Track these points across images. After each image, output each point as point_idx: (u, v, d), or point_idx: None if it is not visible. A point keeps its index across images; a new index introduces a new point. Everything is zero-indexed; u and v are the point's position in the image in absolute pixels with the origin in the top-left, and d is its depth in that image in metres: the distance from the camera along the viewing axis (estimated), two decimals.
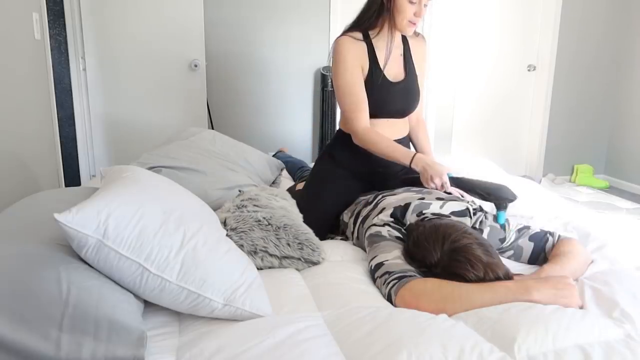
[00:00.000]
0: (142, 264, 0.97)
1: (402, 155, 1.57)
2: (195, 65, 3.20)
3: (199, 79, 3.26)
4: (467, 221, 1.35)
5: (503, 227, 1.40)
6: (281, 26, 3.64)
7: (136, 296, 1.02)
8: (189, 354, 0.93)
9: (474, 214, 1.38)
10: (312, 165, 2.45)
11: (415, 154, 1.56)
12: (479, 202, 1.60)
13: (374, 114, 1.70)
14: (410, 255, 1.24)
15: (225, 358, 0.90)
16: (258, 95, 3.73)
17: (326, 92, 3.63)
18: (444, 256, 1.16)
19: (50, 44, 3.01)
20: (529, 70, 4.26)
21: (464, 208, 1.37)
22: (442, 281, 1.14)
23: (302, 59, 3.72)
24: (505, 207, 1.37)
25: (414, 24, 1.61)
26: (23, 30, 2.16)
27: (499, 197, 1.36)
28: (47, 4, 2.61)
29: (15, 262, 0.91)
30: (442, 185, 1.47)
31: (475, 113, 4.26)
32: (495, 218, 1.39)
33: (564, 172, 4.45)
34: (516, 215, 1.75)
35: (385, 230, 1.34)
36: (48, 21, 2.63)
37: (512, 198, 1.36)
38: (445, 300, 1.09)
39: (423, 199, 1.41)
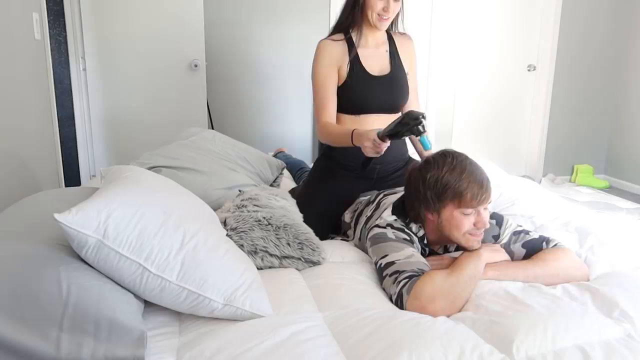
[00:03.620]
0: (142, 264, 0.97)
1: (346, 138, 1.59)
2: (195, 65, 3.20)
3: (199, 79, 3.26)
4: None
5: (499, 223, 1.40)
6: (281, 26, 3.64)
7: (136, 296, 1.02)
8: (189, 354, 0.93)
9: None
10: (311, 165, 2.45)
11: (353, 131, 1.56)
12: None
13: (361, 110, 1.75)
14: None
15: (225, 358, 0.90)
16: (258, 95, 3.73)
17: None
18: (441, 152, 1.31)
19: (50, 44, 3.01)
20: (529, 70, 4.26)
21: None
22: (440, 273, 1.19)
23: (301, 59, 3.71)
24: (420, 132, 1.39)
25: (385, 18, 1.68)
26: (23, 30, 2.16)
27: (407, 124, 1.39)
28: (47, 4, 2.61)
29: (15, 262, 0.91)
30: (377, 145, 1.47)
31: (475, 113, 4.26)
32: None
33: (564, 172, 4.45)
34: (516, 214, 1.75)
35: (390, 232, 1.33)
36: (48, 21, 2.63)
37: (418, 116, 1.38)
38: (452, 288, 1.15)
39: None
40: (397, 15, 1.77)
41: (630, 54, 4.20)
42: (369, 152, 1.48)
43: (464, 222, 1.25)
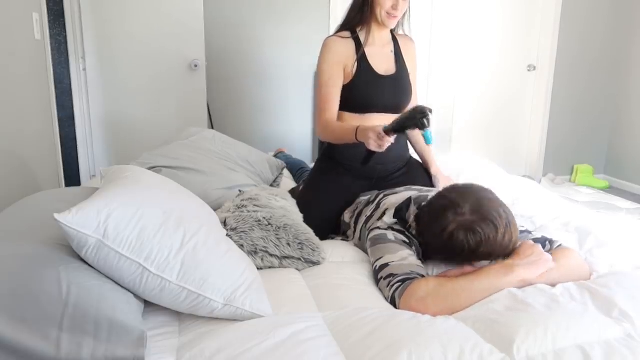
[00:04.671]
0: (142, 264, 0.97)
1: (350, 134, 1.58)
2: (195, 65, 3.20)
3: (199, 79, 3.26)
4: None
5: None
6: (281, 26, 3.64)
7: (136, 296, 1.02)
8: (189, 354, 0.93)
9: None
10: (312, 165, 2.46)
11: (357, 127, 1.56)
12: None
13: (366, 108, 1.76)
14: (435, 205, 1.25)
15: (225, 358, 0.90)
16: (258, 95, 3.73)
17: None
18: (474, 203, 1.19)
19: (50, 44, 3.01)
20: (529, 70, 4.25)
21: None
22: (442, 279, 1.15)
23: (302, 59, 3.71)
24: (424, 125, 1.41)
25: (394, 16, 1.70)
26: (23, 30, 2.16)
27: (414, 118, 1.41)
28: (47, 4, 2.61)
29: (15, 262, 0.91)
30: (381, 139, 1.45)
31: (475, 113, 4.26)
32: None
33: (564, 172, 4.45)
34: (516, 214, 1.75)
35: (390, 234, 1.34)
36: (48, 21, 2.63)
37: (425, 110, 1.40)
38: (450, 297, 1.10)
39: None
40: (404, 15, 1.79)
41: (630, 54, 4.20)
42: (372, 145, 1.47)
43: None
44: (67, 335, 0.83)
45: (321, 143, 3.78)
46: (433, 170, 1.88)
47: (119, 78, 3.18)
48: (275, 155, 2.83)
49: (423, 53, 3.93)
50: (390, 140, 1.46)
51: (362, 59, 1.74)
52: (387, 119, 1.77)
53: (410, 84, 1.83)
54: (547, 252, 1.31)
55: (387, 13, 1.69)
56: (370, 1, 1.70)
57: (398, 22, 1.80)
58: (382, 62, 1.78)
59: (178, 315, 1.11)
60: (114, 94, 3.20)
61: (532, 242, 1.24)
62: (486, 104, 4.26)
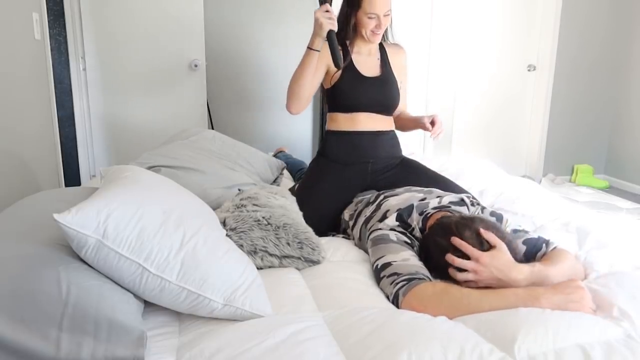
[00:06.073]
0: (141, 264, 0.97)
1: (306, 53, 1.81)
2: (195, 65, 3.20)
3: (199, 79, 3.26)
4: (465, 210, 1.39)
5: (499, 221, 1.40)
6: (281, 26, 3.64)
7: (136, 296, 1.02)
8: (189, 354, 0.93)
9: (472, 204, 1.43)
10: None
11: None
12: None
13: (353, 108, 1.85)
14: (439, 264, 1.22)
15: (225, 358, 0.90)
16: (258, 95, 3.73)
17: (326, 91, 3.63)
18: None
19: (50, 44, 3.01)
20: (529, 70, 4.25)
21: (459, 199, 1.44)
22: (450, 286, 1.13)
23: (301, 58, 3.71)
24: None
25: (378, 33, 1.81)
26: (23, 30, 2.16)
27: None
28: (47, 4, 2.60)
29: (15, 262, 0.91)
30: (323, 10, 1.63)
31: (475, 113, 4.26)
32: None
33: (564, 172, 4.45)
34: (516, 214, 1.75)
35: (393, 234, 1.34)
36: (48, 21, 2.62)
37: None
38: (453, 306, 1.09)
39: (424, 199, 1.43)
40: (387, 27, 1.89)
41: (630, 54, 4.20)
42: (324, 21, 1.64)
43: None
44: (67, 335, 0.83)
45: (320, 142, 3.78)
46: (422, 120, 1.85)
47: (119, 78, 3.18)
48: (275, 155, 2.83)
49: (423, 54, 3.93)
50: (329, 6, 1.63)
51: (350, 65, 1.84)
52: (374, 119, 1.87)
53: (397, 87, 1.90)
54: (543, 254, 1.31)
55: (372, 31, 1.79)
56: (354, 23, 1.81)
57: (383, 34, 1.90)
58: (368, 67, 1.87)
59: (178, 315, 1.11)
60: (114, 94, 3.20)
61: (582, 284, 1.11)
62: (486, 105, 4.26)
